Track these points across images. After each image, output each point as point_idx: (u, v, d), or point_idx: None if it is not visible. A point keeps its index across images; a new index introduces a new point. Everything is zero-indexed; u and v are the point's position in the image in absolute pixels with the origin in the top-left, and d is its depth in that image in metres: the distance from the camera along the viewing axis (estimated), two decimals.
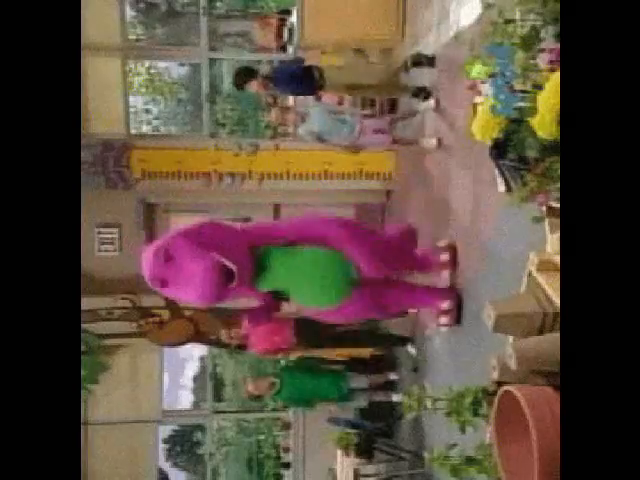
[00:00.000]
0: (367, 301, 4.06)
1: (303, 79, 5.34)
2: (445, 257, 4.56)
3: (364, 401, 5.96)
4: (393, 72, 5.57)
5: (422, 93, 5.44)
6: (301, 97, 6.35)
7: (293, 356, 5.98)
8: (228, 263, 3.54)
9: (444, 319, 4.51)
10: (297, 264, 3.88)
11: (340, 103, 6.43)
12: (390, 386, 6.12)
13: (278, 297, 4.01)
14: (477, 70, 2.21)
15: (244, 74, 5.35)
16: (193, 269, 3.51)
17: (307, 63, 5.48)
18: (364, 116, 5.52)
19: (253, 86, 5.32)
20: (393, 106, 6.40)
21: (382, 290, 4.14)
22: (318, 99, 6.09)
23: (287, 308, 5.63)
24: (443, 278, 4.59)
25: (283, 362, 6.18)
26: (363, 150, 5.67)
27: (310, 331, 5.59)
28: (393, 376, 6.03)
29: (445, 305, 4.45)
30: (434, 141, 5.27)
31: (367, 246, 4.02)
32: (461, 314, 4.44)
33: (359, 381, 5.92)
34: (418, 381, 5.43)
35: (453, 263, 4.56)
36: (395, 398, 5.79)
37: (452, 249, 4.59)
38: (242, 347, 5.88)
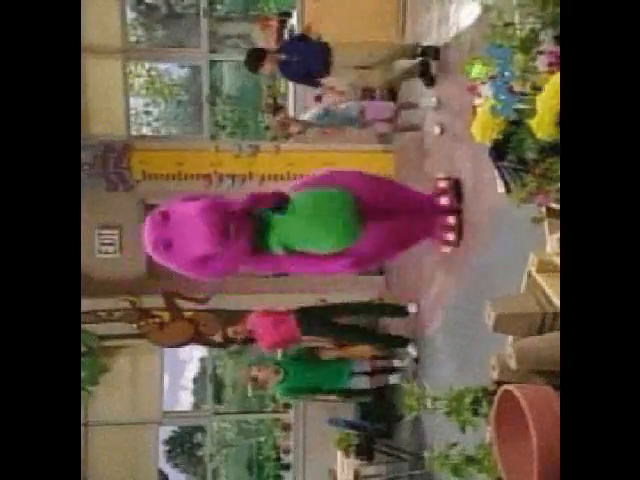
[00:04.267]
0: (383, 235, 3.98)
1: (314, 52, 5.26)
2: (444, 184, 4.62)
3: (364, 384, 5.95)
4: (401, 51, 5.60)
5: (428, 74, 5.42)
6: (300, 103, 6.36)
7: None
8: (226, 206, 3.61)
9: (450, 235, 4.49)
10: (299, 210, 3.84)
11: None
12: (392, 372, 6.11)
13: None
14: (477, 70, 2.22)
15: (255, 56, 5.30)
16: (191, 214, 3.47)
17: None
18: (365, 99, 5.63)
19: (267, 67, 5.28)
20: (393, 98, 6.41)
21: (392, 224, 4.07)
22: (318, 99, 6.10)
23: (288, 304, 5.69)
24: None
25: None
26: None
27: (311, 322, 5.58)
28: (397, 363, 6.01)
29: (450, 220, 4.46)
30: (437, 128, 5.27)
31: (358, 172, 4.33)
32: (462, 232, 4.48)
33: (361, 366, 5.93)
34: (419, 373, 5.45)
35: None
36: (392, 380, 5.82)
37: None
38: (247, 343, 5.84)
